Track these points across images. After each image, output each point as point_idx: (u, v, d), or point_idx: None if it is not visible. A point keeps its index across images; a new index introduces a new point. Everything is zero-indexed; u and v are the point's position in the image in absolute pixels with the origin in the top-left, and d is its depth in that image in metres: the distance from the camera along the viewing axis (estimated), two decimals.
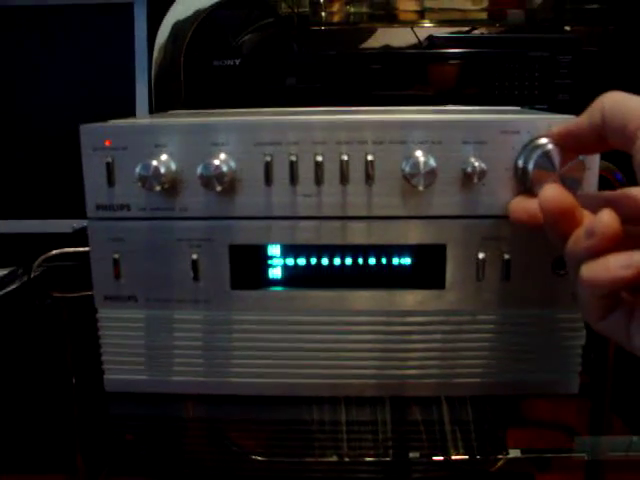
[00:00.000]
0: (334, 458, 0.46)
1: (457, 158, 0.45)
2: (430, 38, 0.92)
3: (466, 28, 1.00)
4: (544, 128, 0.44)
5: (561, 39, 0.87)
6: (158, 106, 0.81)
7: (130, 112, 0.83)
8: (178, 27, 0.80)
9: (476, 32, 1.00)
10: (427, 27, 1.00)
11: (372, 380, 0.49)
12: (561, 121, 0.44)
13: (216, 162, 0.44)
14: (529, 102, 0.86)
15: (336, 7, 1.00)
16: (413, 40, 0.99)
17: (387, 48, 1.03)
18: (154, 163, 0.44)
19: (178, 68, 0.81)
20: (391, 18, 1.01)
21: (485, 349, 0.48)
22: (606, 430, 0.52)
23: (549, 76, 0.85)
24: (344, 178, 0.45)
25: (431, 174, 0.43)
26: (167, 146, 0.45)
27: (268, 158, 0.45)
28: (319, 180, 0.45)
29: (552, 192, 0.38)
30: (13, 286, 0.72)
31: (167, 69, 0.81)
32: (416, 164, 0.43)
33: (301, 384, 0.49)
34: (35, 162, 0.83)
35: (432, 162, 0.43)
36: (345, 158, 0.45)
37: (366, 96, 0.87)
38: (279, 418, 0.51)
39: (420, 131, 0.45)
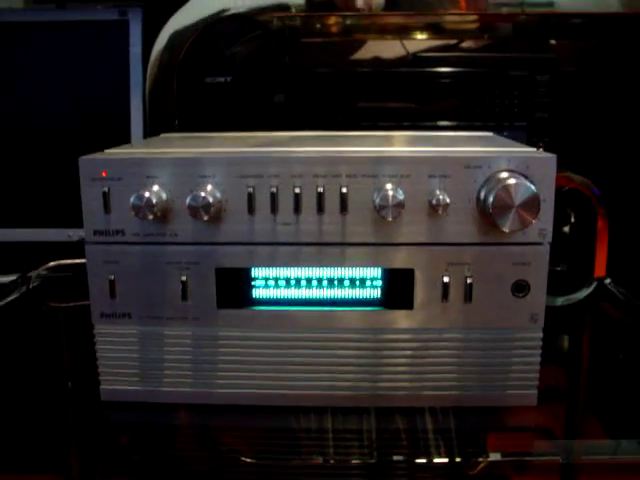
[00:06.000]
0: (320, 460, 0.49)
1: (424, 191, 0.49)
2: (415, 56, 0.96)
3: (454, 41, 1.03)
4: (504, 163, 0.49)
5: (539, 59, 0.91)
6: (152, 121, 0.85)
7: (125, 126, 0.85)
8: (175, 38, 0.83)
9: (463, 44, 1.03)
10: (417, 39, 1.02)
11: (347, 392, 0.53)
12: (520, 156, 0.48)
13: (203, 194, 0.48)
14: (509, 119, 0.90)
15: (326, 19, 1.02)
16: (403, 51, 1.02)
17: (377, 60, 1.06)
18: (147, 194, 0.48)
19: (172, 83, 0.84)
20: (381, 30, 1.03)
21: (451, 364, 0.52)
22: (582, 433, 0.56)
23: (528, 95, 0.89)
24: (320, 208, 0.49)
25: (399, 207, 0.48)
26: (158, 177, 0.49)
27: (251, 189, 0.49)
28: (297, 210, 0.49)
29: None
30: (14, 296, 0.76)
31: (161, 84, 0.84)
32: (385, 197, 0.47)
33: (281, 395, 0.53)
34: (31, 173, 0.86)
35: (400, 195, 0.48)
36: (321, 190, 0.49)
37: (353, 111, 0.91)
38: (265, 426, 0.54)
39: (390, 166, 0.49)
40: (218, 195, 0.49)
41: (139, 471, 0.49)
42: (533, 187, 0.47)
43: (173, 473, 0.49)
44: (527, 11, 0.82)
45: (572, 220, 0.87)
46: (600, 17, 0.86)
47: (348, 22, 0.98)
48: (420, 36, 1.01)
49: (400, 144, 0.63)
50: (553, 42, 0.99)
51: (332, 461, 0.50)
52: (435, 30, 1.00)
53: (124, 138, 0.85)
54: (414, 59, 0.95)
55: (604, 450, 0.52)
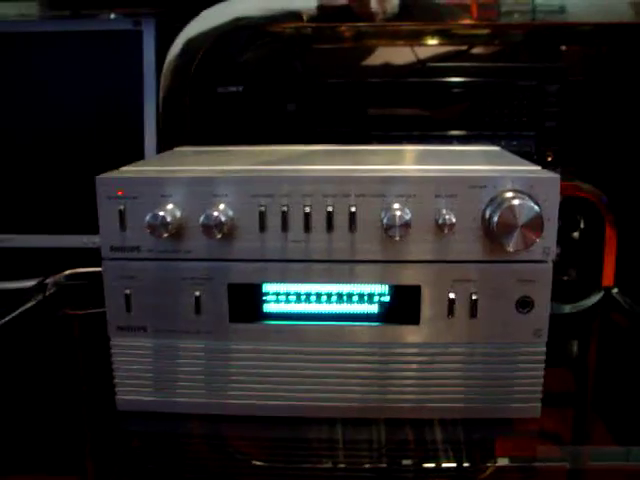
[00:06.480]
0: (329, 465, 0.51)
1: (430, 210, 0.50)
2: (425, 66, 0.97)
3: (464, 47, 1.03)
4: (509, 183, 0.50)
5: (548, 68, 0.91)
6: (166, 130, 0.86)
7: (139, 135, 0.87)
8: (190, 46, 0.84)
9: (473, 52, 1.04)
10: (427, 45, 1.03)
11: (356, 403, 0.54)
12: (524, 176, 0.49)
13: (215, 213, 0.50)
14: (518, 129, 0.91)
15: (337, 26, 1.03)
16: (413, 58, 1.03)
17: (387, 67, 1.07)
18: (161, 213, 0.49)
19: (185, 91, 0.86)
20: (391, 36, 1.04)
21: (456, 378, 0.53)
22: (590, 439, 0.57)
23: (537, 104, 0.90)
24: (329, 227, 0.51)
25: (406, 226, 0.49)
26: (173, 196, 0.51)
27: (262, 208, 0.51)
28: (307, 228, 0.51)
29: None
30: (30, 304, 0.78)
31: (175, 92, 0.85)
32: (393, 217, 0.49)
33: (291, 406, 0.55)
34: (45, 181, 0.88)
35: (407, 215, 0.49)
36: (330, 209, 0.50)
37: (364, 120, 0.92)
38: (276, 436, 0.56)
39: (398, 186, 0.50)
40: (230, 213, 0.51)
41: (153, 475, 0.51)
42: (537, 207, 0.48)
43: (185, 476, 0.51)
44: (537, 21, 0.83)
45: (581, 228, 0.88)
46: (610, 26, 0.87)
47: (360, 29, 0.98)
48: (431, 41, 1.02)
49: (409, 161, 0.64)
50: (563, 49, 1.00)
51: (342, 465, 0.51)
52: (445, 36, 1.01)
53: (138, 146, 0.87)
54: (424, 68, 0.96)
55: (612, 456, 0.53)
